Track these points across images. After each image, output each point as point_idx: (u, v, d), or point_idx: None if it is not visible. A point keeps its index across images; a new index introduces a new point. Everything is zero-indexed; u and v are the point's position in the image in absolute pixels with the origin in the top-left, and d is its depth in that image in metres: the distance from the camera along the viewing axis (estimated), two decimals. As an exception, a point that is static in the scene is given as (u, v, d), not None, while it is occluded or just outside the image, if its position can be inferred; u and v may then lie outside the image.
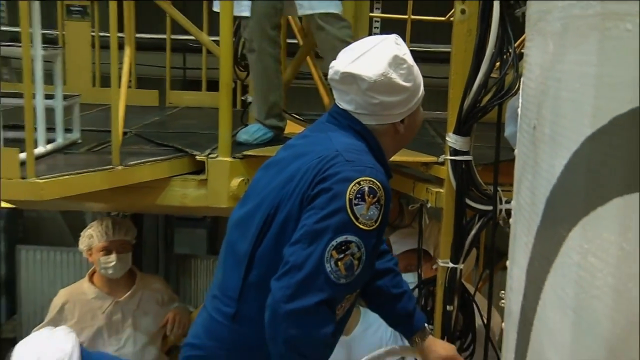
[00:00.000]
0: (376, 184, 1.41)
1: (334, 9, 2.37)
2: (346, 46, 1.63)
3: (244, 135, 2.53)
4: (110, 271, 2.82)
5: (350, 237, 1.37)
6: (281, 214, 1.46)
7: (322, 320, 1.38)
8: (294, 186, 1.45)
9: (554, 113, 0.65)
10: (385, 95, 1.51)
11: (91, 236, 2.80)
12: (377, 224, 1.41)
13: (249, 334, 1.49)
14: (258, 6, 2.37)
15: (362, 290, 1.73)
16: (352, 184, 1.39)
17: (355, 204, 1.38)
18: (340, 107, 1.57)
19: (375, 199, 1.40)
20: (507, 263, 0.82)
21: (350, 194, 1.38)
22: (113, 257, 2.78)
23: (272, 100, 2.52)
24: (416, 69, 1.56)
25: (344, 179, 1.40)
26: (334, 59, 1.58)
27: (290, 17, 3.16)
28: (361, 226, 1.38)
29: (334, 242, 1.36)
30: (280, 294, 1.36)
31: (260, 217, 1.48)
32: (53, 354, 2.00)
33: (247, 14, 2.38)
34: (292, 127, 2.95)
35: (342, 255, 1.37)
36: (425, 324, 1.76)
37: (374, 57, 1.49)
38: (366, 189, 1.39)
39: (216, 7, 2.41)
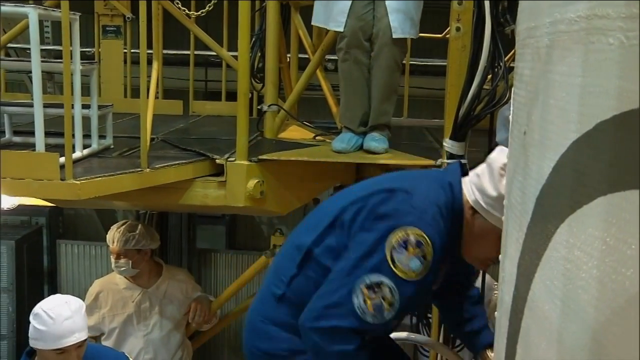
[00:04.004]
0: (425, 238, 1.31)
1: (409, 35, 2.38)
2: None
3: (341, 144, 2.43)
4: (118, 272, 2.86)
5: (383, 280, 1.30)
6: (338, 229, 1.41)
7: (340, 339, 1.33)
8: (357, 209, 1.39)
9: (543, 119, 0.64)
10: (486, 176, 1.37)
11: (107, 240, 2.85)
12: (417, 276, 1.31)
13: (290, 317, 1.45)
14: (354, 20, 2.34)
15: (440, 309, 1.69)
16: (400, 229, 1.30)
17: (396, 251, 1.30)
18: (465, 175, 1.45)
19: (421, 251, 1.31)
20: (500, 257, 0.82)
21: (393, 240, 1.30)
22: (121, 262, 2.81)
23: (364, 110, 2.43)
24: None
25: (394, 224, 1.32)
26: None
27: (301, 34, 3.17)
28: (398, 272, 1.30)
29: (366, 280, 1.30)
30: (308, 314, 1.36)
31: (329, 221, 1.44)
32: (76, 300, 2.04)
33: (340, 29, 2.36)
34: (302, 134, 2.95)
35: (372, 295, 1.30)
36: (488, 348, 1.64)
37: None
38: (412, 239, 1.30)
39: (315, 21, 2.50)
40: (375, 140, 2.40)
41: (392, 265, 1.30)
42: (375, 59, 2.37)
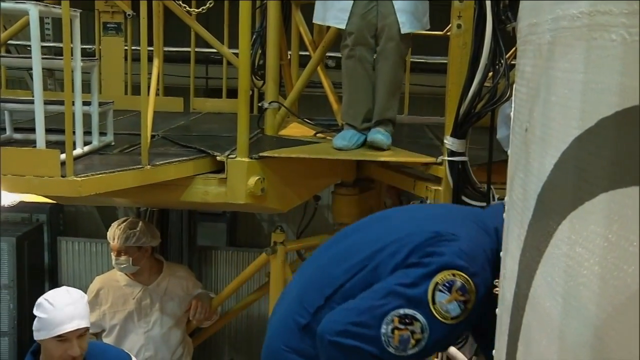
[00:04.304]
0: (471, 285, 1.27)
1: (415, 28, 2.39)
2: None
3: (342, 141, 2.40)
4: (119, 269, 2.86)
5: (418, 316, 1.27)
6: (373, 263, 1.37)
7: (360, 358, 1.30)
8: (398, 247, 1.35)
9: (544, 116, 0.64)
10: None
11: (108, 237, 2.86)
12: (453, 321, 1.27)
13: (313, 348, 1.39)
14: (359, 18, 2.35)
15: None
16: (449, 271, 1.27)
17: (439, 290, 1.26)
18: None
19: (463, 297, 1.27)
20: (501, 254, 0.82)
21: (439, 279, 1.26)
22: (121, 259, 2.82)
23: (367, 107, 2.42)
24: None
25: (444, 263, 1.28)
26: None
27: (301, 31, 3.16)
28: (434, 312, 1.27)
29: (401, 311, 1.27)
30: (329, 326, 1.31)
31: (363, 255, 1.39)
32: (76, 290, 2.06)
33: (342, 26, 2.38)
34: (303, 131, 2.95)
35: (402, 327, 1.27)
36: None
37: None
38: (458, 283, 1.26)
39: (316, 19, 2.53)
40: (381, 134, 2.39)
41: (431, 304, 1.27)
42: (381, 54, 2.37)
